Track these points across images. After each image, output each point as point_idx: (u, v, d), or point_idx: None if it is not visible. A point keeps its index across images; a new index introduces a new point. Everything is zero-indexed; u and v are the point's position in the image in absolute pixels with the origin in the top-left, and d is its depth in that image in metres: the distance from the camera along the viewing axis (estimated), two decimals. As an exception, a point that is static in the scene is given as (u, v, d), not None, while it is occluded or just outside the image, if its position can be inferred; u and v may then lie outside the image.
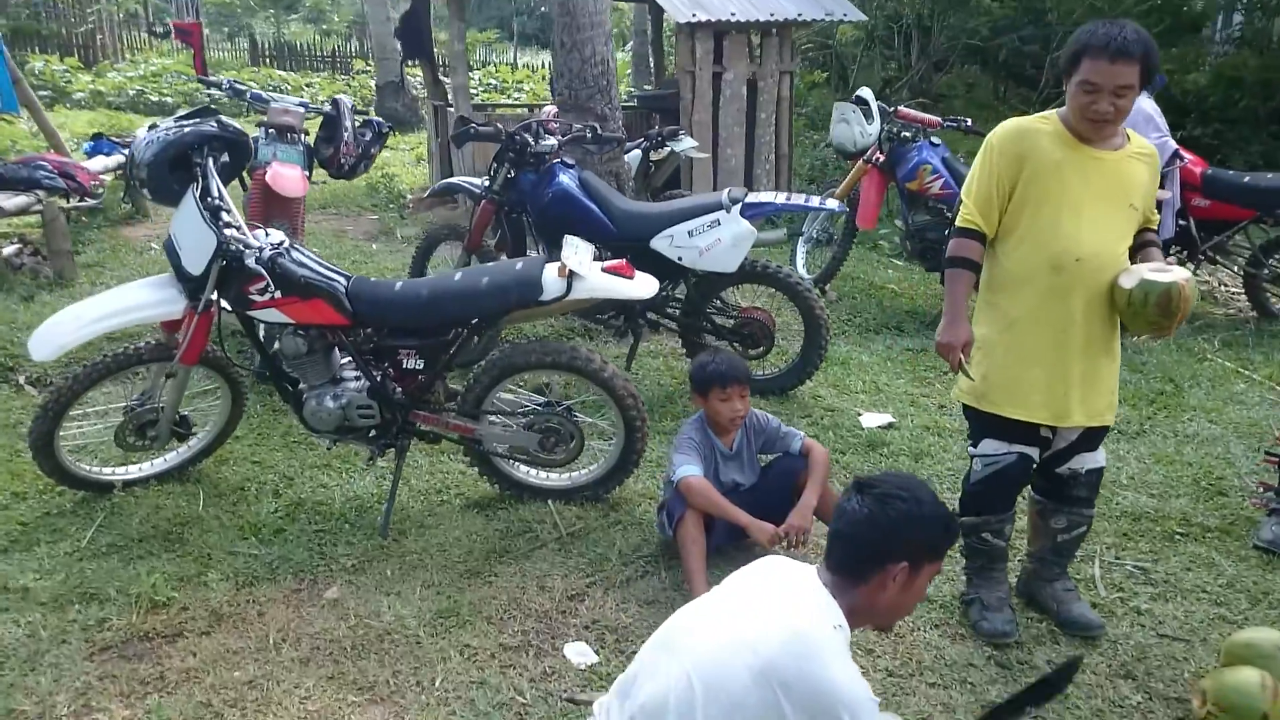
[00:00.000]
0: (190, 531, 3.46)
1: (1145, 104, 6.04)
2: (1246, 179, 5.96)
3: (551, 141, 4.64)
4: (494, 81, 20.08)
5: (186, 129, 3.30)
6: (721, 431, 3.37)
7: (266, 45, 23.05)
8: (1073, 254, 2.73)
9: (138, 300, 3.32)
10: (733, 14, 7.82)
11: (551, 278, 3.32)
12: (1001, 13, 11.69)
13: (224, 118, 3.44)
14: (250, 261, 3.18)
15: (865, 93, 5.78)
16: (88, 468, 3.65)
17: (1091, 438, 2.96)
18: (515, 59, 26.15)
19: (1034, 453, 2.93)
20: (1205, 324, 6.08)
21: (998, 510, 3.01)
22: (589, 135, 4.82)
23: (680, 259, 4.48)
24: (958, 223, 2.91)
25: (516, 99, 17.45)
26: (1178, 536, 3.56)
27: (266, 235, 3.34)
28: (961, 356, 2.87)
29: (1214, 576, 3.30)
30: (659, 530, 3.45)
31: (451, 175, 9.46)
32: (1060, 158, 2.73)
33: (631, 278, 3.41)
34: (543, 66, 23.70)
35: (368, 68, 20.57)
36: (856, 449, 4.20)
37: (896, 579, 1.88)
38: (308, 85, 18.02)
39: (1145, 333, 2.82)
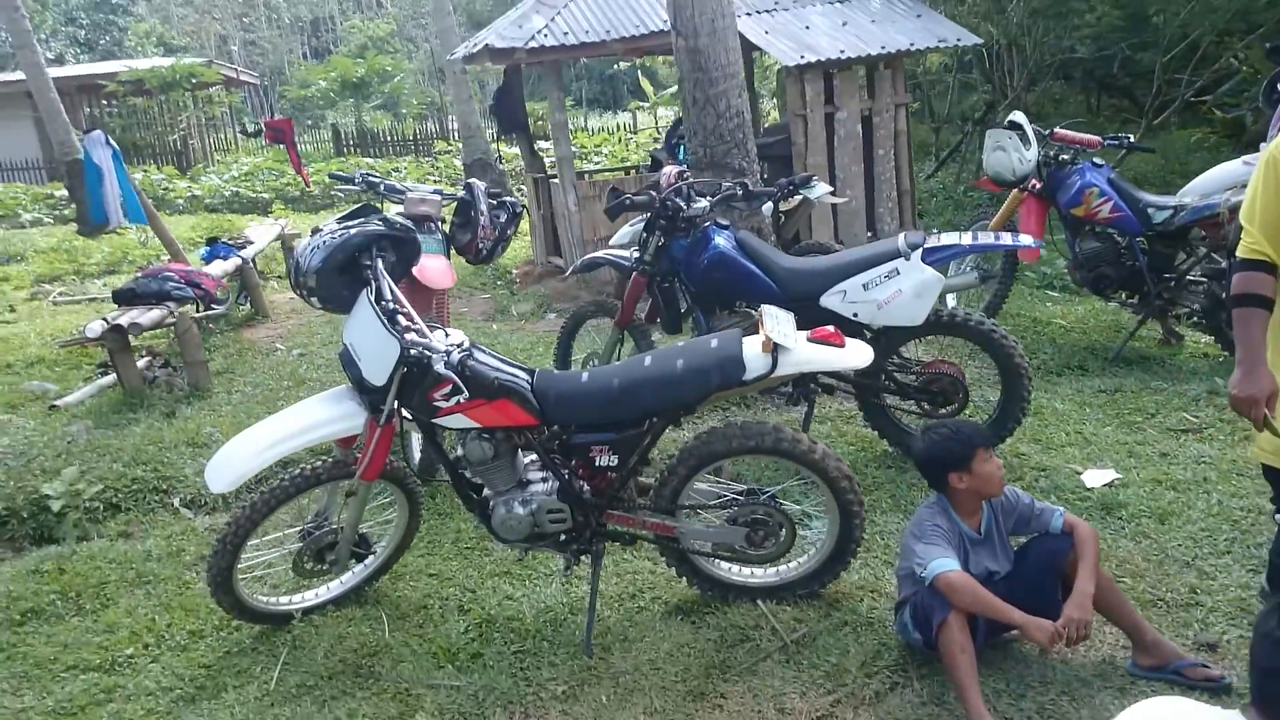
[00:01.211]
0: (381, 663, 3.17)
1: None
2: None
3: (704, 203, 4.34)
4: (573, 148, 20.14)
5: (352, 231, 3.07)
6: (967, 513, 2.96)
7: (348, 134, 23.64)
8: None
9: (316, 418, 3.09)
10: (842, 51, 7.52)
11: (754, 353, 2.98)
12: (1102, 24, 11.15)
13: (388, 215, 3.21)
14: (439, 366, 2.92)
15: (1019, 117, 5.38)
16: (265, 599, 3.41)
17: None
18: (586, 124, 26.31)
19: (1361, 513, 2.47)
20: None
21: (1321, 584, 2.54)
22: (739, 193, 4.51)
23: (855, 315, 4.11)
24: (1240, 253, 2.50)
25: (598, 163, 17.41)
26: None
27: (446, 335, 3.08)
28: (1267, 412, 2.43)
29: None
30: (899, 632, 3.03)
31: (557, 247, 9.34)
32: None
33: (842, 345, 3.05)
34: (620, 128, 23.82)
35: (449, 148, 20.90)
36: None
37: None
38: (394, 170, 18.29)
39: None
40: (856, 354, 3.08)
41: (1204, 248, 5.24)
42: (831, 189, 6.38)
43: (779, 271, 4.26)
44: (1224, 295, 5.09)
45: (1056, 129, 5.60)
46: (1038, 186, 5.59)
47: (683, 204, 4.32)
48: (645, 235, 4.49)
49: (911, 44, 7.70)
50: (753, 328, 3.13)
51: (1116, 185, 5.39)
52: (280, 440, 3.01)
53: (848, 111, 7.74)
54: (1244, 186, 5.24)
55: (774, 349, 2.98)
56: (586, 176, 10.57)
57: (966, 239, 4.12)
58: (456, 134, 19.08)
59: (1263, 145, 5.81)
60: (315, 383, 6.00)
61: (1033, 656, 2.95)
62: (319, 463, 3.23)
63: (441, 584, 3.66)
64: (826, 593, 3.37)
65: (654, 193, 4.40)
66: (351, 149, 22.68)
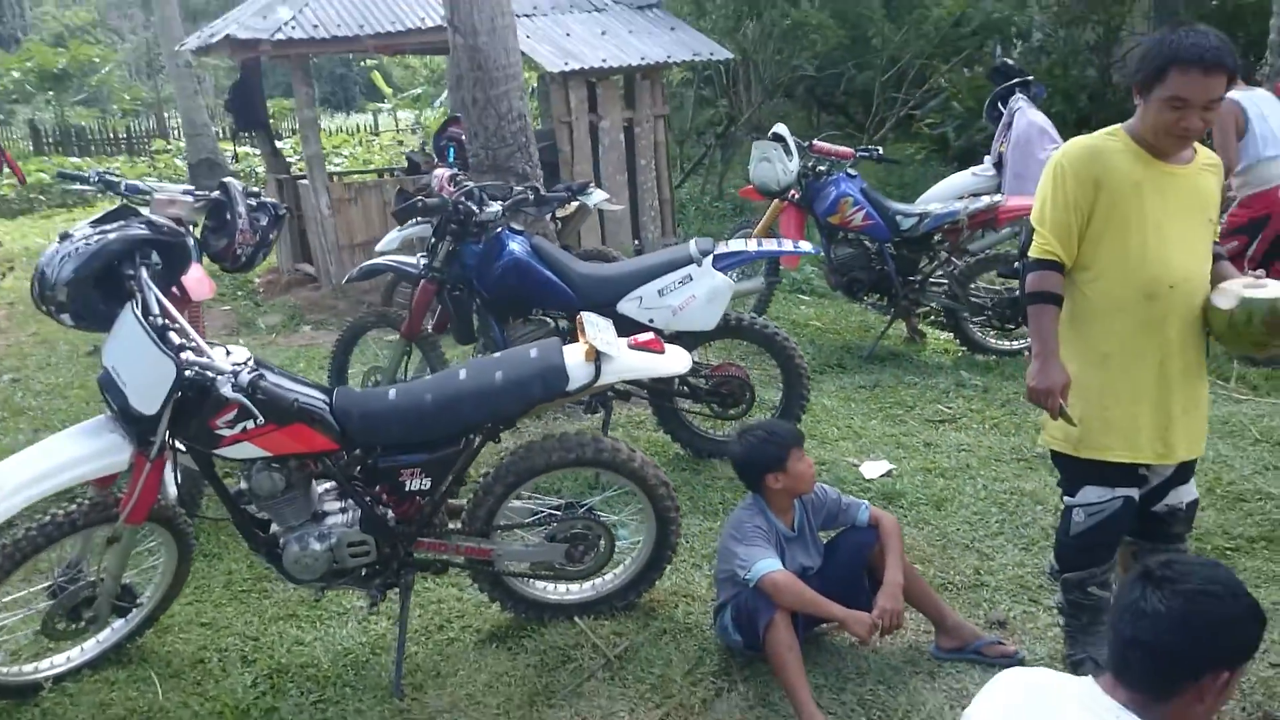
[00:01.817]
0: (157, 731, 2.78)
1: (1034, 115, 6.21)
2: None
3: (496, 208, 4.18)
4: (312, 149, 19.02)
5: (111, 235, 2.65)
6: (781, 510, 3.02)
7: (48, 131, 21.03)
8: (1165, 280, 2.57)
9: (72, 455, 2.63)
10: (603, 60, 7.60)
11: (577, 362, 2.89)
12: (829, 44, 12.04)
13: (153, 216, 2.81)
14: (226, 389, 2.57)
15: (782, 129, 5.63)
16: (3, 670, 2.88)
17: (1186, 470, 2.80)
18: (321, 124, 24.99)
19: (1135, 494, 2.74)
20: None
21: (1103, 560, 2.81)
22: (531, 197, 4.40)
23: (651, 320, 4.11)
24: (1033, 254, 2.69)
25: (339, 165, 16.53)
26: (1229, 553, 3.48)
27: (229, 353, 2.74)
28: (1061, 402, 2.64)
29: (1286, 589, 3.22)
30: (719, 635, 3.05)
31: (305, 254, 8.77)
32: (1139, 178, 2.56)
33: (662, 352, 3.02)
34: (360, 130, 22.83)
35: (169, 147, 19.13)
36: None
37: (1215, 689, 1.58)
38: (107, 170, 16.46)
39: (1247, 352, 2.70)
40: (676, 360, 3.06)
41: (944, 252, 5.73)
42: (609, 196, 6.41)
43: (575, 278, 4.19)
44: (964, 296, 5.60)
45: (815, 141, 5.93)
46: (797, 196, 5.88)
47: (475, 208, 4.15)
48: (435, 240, 4.27)
49: (669, 56, 7.92)
50: (571, 336, 3.04)
51: (868, 195, 5.77)
52: (29, 483, 2.54)
53: (611, 120, 7.83)
54: (975, 195, 5.84)
55: (597, 357, 2.90)
56: (337, 178, 10.03)
57: (753, 245, 4.26)
58: (178, 132, 17.50)
59: (985, 158, 6.51)
60: (37, 412, 5.25)
61: (845, 648, 3.05)
62: (73, 507, 2.76)
63: (217, 633, 3.27)
64: (642, 602, 3.33)
65: (431, 197, 4.20)
66: (53, 147, 20.19)
